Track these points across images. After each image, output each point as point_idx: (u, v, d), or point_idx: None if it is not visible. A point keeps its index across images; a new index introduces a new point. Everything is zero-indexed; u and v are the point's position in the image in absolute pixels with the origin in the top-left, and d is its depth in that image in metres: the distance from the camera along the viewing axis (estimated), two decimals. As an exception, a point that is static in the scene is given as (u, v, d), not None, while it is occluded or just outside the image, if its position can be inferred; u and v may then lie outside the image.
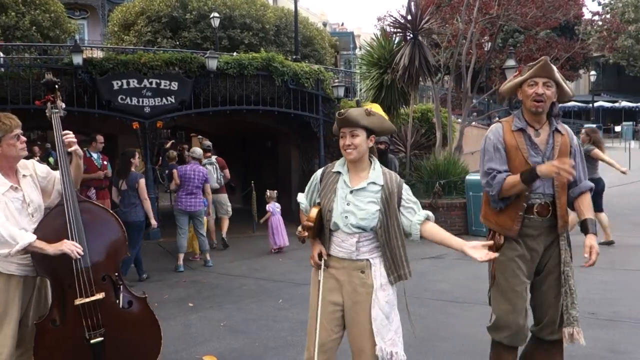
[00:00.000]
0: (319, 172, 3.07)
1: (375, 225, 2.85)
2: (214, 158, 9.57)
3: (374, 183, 2.91)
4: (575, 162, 3.11)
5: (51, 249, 2.96)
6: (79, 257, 3.01)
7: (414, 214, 2.92)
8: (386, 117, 3.00)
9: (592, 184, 3.25)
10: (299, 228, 2.98)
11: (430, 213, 2.95)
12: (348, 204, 2.87)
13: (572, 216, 3.28)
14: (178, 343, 4.84)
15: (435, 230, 2.90)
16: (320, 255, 2.95)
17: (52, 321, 3.08)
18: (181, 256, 8.07)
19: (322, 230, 2.97)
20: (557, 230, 3.12)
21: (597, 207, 8.50)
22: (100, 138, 8.37)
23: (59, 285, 3.11)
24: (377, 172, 2.95)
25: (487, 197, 3.29)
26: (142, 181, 7.16)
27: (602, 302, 5.59)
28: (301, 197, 3.13)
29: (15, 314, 3.06)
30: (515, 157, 3.10)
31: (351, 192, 2.90)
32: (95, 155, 8.27)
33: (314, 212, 2.93)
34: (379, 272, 2.87)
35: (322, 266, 2.93)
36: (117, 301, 3.21)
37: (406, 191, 2.96)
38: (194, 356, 4.56)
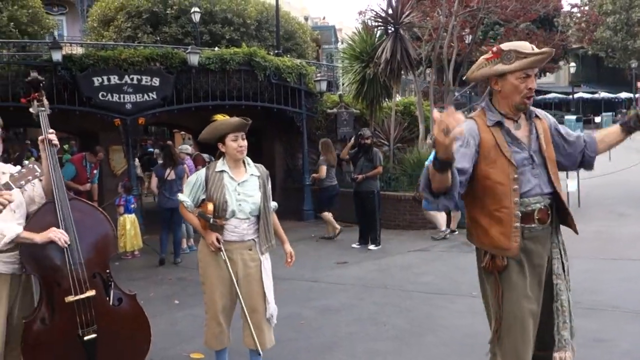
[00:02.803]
0: (202, 173, 3.63)
1: (259, 208, 3.57)
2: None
3: (252, 175, 3.64)
4: (564, 133, 2.78)
5: (38, 237, 2.97)
6: (65, 245, 3.01)
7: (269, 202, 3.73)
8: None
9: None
10: (212, 220, 3.46)
11: (276, 204, 3.76)
12: (239, 194, 3.54)
13: None
14: (165, 340, 4.83)
15: (276, 220, 3.77)
16: (218, 241, 3.49)
17: (42, 319, 3.08)
18: (190, 240, 9.20)
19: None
20: (555, 237, 2.69)
21: (325, 207, 9.65)
22: (101, 155, 9.20)
23: (48, 283, 3.10)
24: (251, 166, 3.69)
25: (469, 208, 2.70)
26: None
27: (584, 290, 5.69)
28: (183, 197, 3.63)
29: (2, 312, 3.05)
30: (497, 157, 2.57)
31: (238, 184, 3.56)
32: (89, 166, 8.90)
33: (210, 206, 3.47)
34: (259, 247, 3.60)
35: (223, 249, 3.49)
36: (108, 298, 3.22)
37: (269, 181, 3.75)
38: (181, 353, 4.56)
